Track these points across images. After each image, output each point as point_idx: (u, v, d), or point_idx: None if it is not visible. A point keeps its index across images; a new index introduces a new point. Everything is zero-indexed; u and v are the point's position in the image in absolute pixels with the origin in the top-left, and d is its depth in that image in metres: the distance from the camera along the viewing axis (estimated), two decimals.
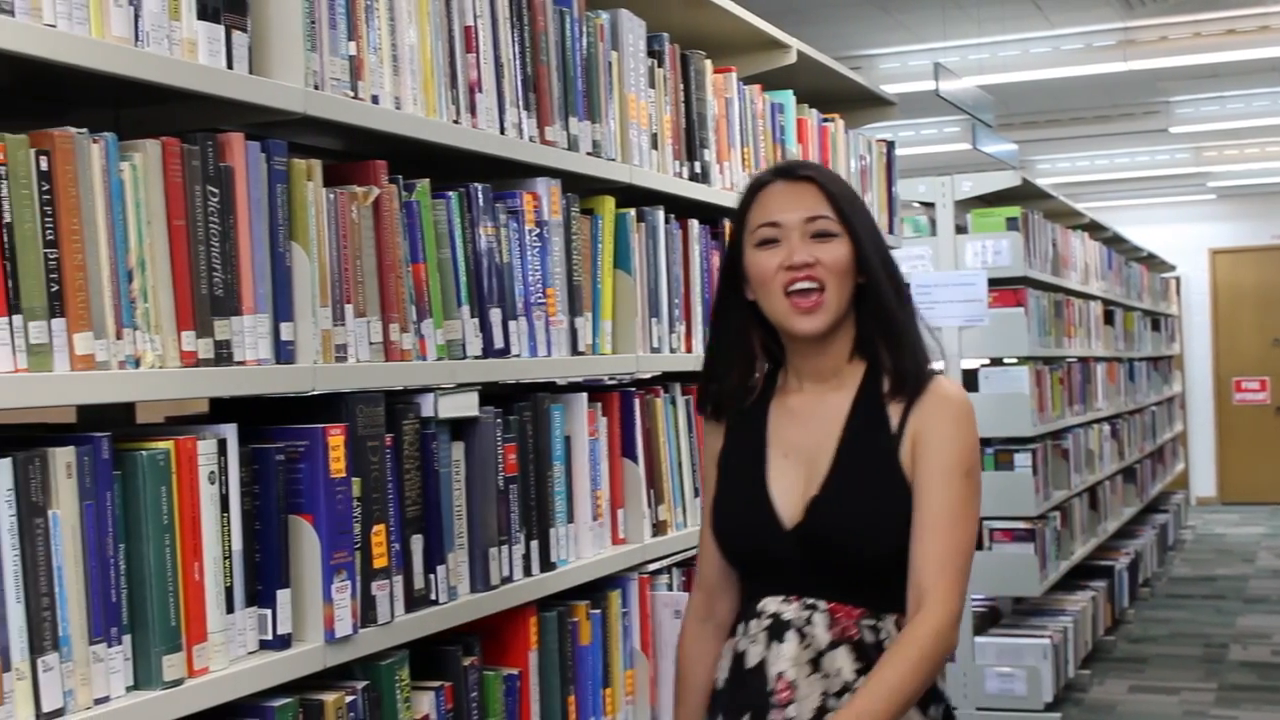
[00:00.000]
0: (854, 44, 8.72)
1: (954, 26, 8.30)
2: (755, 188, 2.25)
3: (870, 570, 2.13)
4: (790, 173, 2.24)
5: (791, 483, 2.18)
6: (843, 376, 2.21)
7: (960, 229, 6.58)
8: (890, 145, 4.56)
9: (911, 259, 6.21)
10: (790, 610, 2.13)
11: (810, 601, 2.13)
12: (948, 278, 5.92)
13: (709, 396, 2.32)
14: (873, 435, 2.16)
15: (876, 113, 4.63)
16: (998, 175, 6.66)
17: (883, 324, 2.18)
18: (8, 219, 1.57)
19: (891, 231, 4.53)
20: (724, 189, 3.32)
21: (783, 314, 2.16)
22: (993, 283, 6.08)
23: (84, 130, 1.69)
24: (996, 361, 6.62)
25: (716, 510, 2.28)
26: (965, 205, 6.84)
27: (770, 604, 2.16)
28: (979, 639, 6.28)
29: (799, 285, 2.13)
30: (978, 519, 2.16)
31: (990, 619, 6.76)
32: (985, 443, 6.44)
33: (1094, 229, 8.88)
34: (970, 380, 6.29)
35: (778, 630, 2.13)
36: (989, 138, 7.38)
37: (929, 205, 6.50)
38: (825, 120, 4.00)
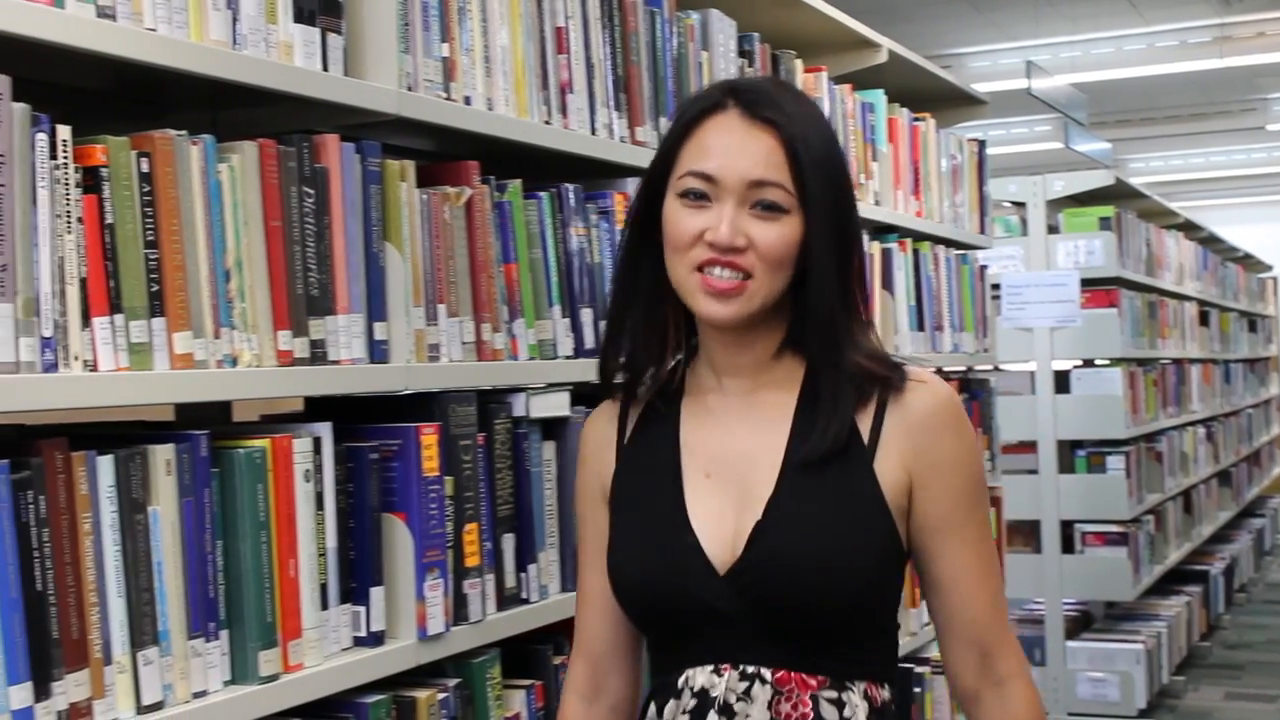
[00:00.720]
0: (945, 42, 8.67)
1: (1046, 24, 8.22)
2: (699, 111, 1.67)
3: (836, 624, 1.62)
4: (752, 106, 1.64)
5: (718, 511, 1.65)
6: (772, 372, 1.70)
7: (1052, 229, 6.51)
8: (981, 144, 4.52)
9: (1003, 259, 6.15)
10: (722, 685, 1.62)
11: (750, 670, 1.62)
12: (1040, 278, 5.86)
13: (616, 367, 1.76)
14: (833, 444, 1.65)
15: (968, 112, 4.59)
16: (1090, 174, 6.59)
17: (815, 330, 1.66)
18: (109, 220, 1.60)
19: (983, 231, 4.49)
20: None
21: (688, 291, 1.64)
22: (1085, 283, 6.01)
23: (183, 132, 1.71)
24: (1089, 363, 6.54)
25: (616, 555, 1.72)
26: (1057, 205, 6.77)
27: (697, 677, 1.64)
28: (1070, 643, 6.21)
29: (718, 272, 1.62)
30: None
31: (1082, 623, 6.68)
32: (1077, 445, 6.38)
33: (1189, 229, 8.74)
34: (1062, 381, 6.21)
35: (704, 713, 1.62)
36: (1081, 136, 7.30)
37: (1020, 205, 6.45)
38: (916, 120, 3.97)
